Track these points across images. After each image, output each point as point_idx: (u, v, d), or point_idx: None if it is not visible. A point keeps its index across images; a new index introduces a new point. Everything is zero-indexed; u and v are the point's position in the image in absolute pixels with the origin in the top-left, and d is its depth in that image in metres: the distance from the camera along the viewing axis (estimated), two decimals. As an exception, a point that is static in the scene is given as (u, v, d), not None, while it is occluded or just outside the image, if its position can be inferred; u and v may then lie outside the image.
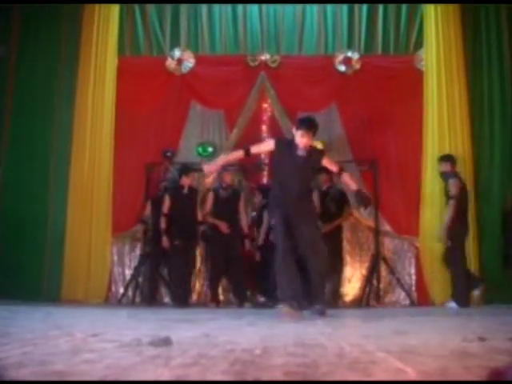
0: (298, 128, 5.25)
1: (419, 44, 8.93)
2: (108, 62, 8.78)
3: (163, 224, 7.88)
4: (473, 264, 8.16)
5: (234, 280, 7.92)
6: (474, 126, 8.65)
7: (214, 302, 7.84)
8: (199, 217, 7.96)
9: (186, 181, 7.92)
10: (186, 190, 7.91)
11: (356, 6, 9.10)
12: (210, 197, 8.04)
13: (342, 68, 8.88)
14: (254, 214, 8.38)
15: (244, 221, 7.97)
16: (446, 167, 7.68)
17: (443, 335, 3.18)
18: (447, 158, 7.76)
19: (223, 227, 7.79)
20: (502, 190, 8.66)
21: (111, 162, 8.61)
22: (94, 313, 5.88)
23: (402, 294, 8.41)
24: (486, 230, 8.41)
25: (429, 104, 8.54)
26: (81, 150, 8.58)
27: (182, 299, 7.63)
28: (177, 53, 8.98)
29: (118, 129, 8.68)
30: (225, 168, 7.61)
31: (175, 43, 9.07)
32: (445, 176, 7.65)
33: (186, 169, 8.03)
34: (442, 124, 8.45)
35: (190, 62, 8.96)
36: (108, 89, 8.71)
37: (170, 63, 8.94)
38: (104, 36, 8.81)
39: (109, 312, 6.11)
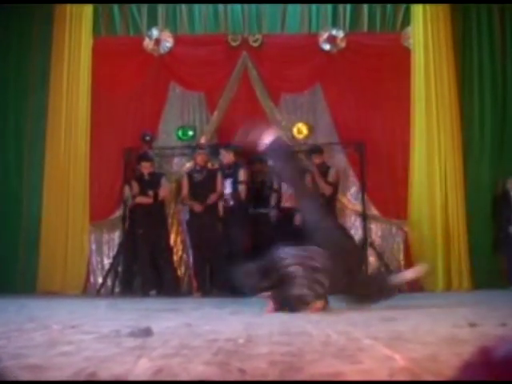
0: None
1: (406, 21, 8.69)
2: (83, 42, 8.49)
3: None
4: (462, 249, 8.03)
5: (215, 267, 7.68)
6: (463, 105, 8.50)
7: (200, 291, 7.63)
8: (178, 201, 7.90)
9: (144, 167, 7.83)
10: (146, 177, 7.81)
11: (341, -18, 8.81)
12: (185, 180, 7.88)
13: (327, 47, 8.60)
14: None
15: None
16: None
17: (433, 321, 3.13)
18: None
19: (196, 207, 7.62)
20: (493, 174, 8.52)
21: (88, 147, 8.35)
22: (71, 304, 5.79)
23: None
24: (475, 215, 8.27)
25: (416, 83, 8.37)
26: (56, 135, 8.31)
27: (147, 288, 7.61)
28: (155, 32, 8.66)
29: (95, 112, 8.41)
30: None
31: (153, 22, 8.76)
32: None
33: (143, 155, 7.97)
34: (430, 104, 8.28)
35: (168, 42, 8.65)
36: (83, 70, 8.43)
37: (148, 43, 8.63)
38: (78, 15, 8.50)
39: (87, 303, 6.03)
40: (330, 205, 7.73)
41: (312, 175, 7.61)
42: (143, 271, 7.79)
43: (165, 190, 7.84)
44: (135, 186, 7.84)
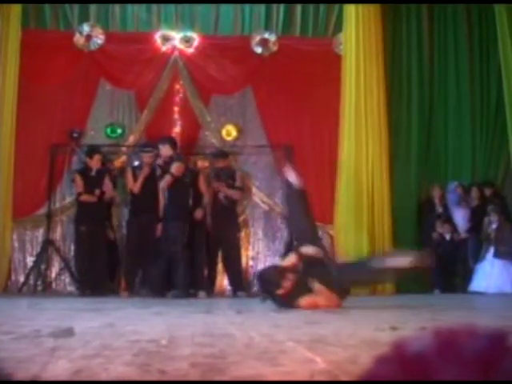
0: None
1: (338, 27, 8.75)
2: (11, 34, 8.21)
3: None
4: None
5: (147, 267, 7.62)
6: (391, 111, 8.60)
7: (127, 290, 7.53)
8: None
9: (92, 163, 7.62)
10: (93, 173, 7.62)
11: (275, -16, 8.83)
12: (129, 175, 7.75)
13: (259, 49, 8.63)
14: None
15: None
16: None
17: (355, 325, 3.19)
18: None
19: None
20: (418, 180, 8.68)
21: (12, 142, 8.12)
22: None
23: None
24: (401, 220, 8.40)
25: (346, 89, 8.41)
26: (-21, 129, 8.05)
27: (85, 287, 7.43)
28: (85, 28, 8.52)
29: (21, 106, 8.19)
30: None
31: (84, 18, 8.61)
32: None
33: (92, 150, 7.76)
34: (359, 110, 8.33)
35: (99, 39, 8.51)
36: (10, 63, 8.18)
37: (78, 39, 8.48)
38: (6, 5, 8.23)
39: (7, 302, 5.94)
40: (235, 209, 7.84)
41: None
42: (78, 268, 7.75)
43: (109, 188, 7.68)
44: (79, 182, 7.59)
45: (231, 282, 7.85)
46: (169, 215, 7.32)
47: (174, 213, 7.27)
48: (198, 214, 7.51)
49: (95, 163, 7.62)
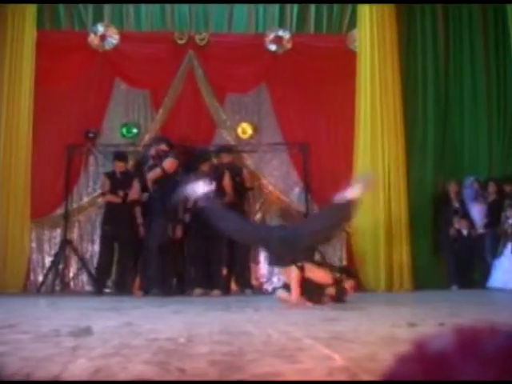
0: None
1: (352, 24, 8.73)
2: (26, 35, 8.26)
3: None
4: (404, 250, 8.11)
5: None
6: (407, 108, 8.56)
7: (142, 289, 7.51)
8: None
9: (118, 166, 7.79)
10: (118, 176, 7.77)
11: (288, -17, 8.81)
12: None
13: (273, 47, 8.61)
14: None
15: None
16: None
17: (372, 321, 3.19)
18: None
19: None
20: (435, 175, 8.62)
21: (29, 143, 8.17)
22: (10, 303, 5.72)
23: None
24: (417, 216, 8.36)
25: (361, 86, 8.39)
26: (-4, 129, 8.11)
27: (100, 287, 7.57)
28: (100, 28, 8.54)
29: (37, 107, 8.24)
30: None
31: (98, 18, 8.63)
32: None
33: (118, 154, 7.90)
34: (375, 106, 8.31)
35: (113, 39, 8.54)
36: (26, 64, 8.22)
37: (93, 39, 8.51)
38: (21, 7, 8.29)
39: (26, 301, 5.95)
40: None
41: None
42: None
43: (135, 191, 7.70)
44: (107, 182, 7.79)
45: (239, 280, 7.82)
46: (154, 211, 7.19)
47: (159, 209, 7.14)
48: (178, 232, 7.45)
49: (117, 168, 7.79)
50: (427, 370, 0.63)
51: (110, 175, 7.85)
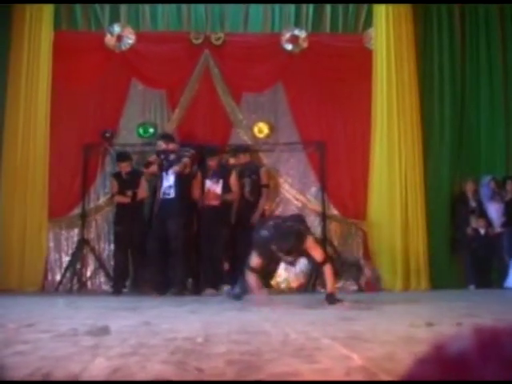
0: None
1: (368, 23, 8.69)
2: (43, 35, 8.32)
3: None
4: (421, 249, 8.08)
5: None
6: (423, 107, 8.54)
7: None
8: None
9: (122, 167, 7.84)
10: (124, 176, 7.83)
11: (304, -18, 8.78)
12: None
13: (289, 47, 8.58)
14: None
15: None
16: None
17: (390, 321, 3.19)
18: None
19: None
20: (452, 174, 8.60)
21: (47, 143, 8.22)
22: (28, 302, 5.77)
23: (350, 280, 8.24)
24: (434, 215, 8.33)
25: (378, 85, 8.38)
26: (13, 130, 8.16)
27: (119, 286, 7.61)
28: (116, 29, 8.56)
29: (54, 107, 8.28)
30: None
31: (114, 18, 8.65)
32: None
33: (119, 155, 7.98)
34: (391, 104, 8.30)
35: (130, 39, 8.56)
36: (43, 65, 8.28)
37: (109, 39, 8.53)
38: (38, 7, 8.34)
39: (44, 301, 5.98)
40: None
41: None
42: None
43: (142, 190, 7.79)
44: (114, 184, 7.87)
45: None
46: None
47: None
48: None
49: (121, 168, 7.87)
50: (446, 371, 0.63)
51: (117, 176, 7.92)
